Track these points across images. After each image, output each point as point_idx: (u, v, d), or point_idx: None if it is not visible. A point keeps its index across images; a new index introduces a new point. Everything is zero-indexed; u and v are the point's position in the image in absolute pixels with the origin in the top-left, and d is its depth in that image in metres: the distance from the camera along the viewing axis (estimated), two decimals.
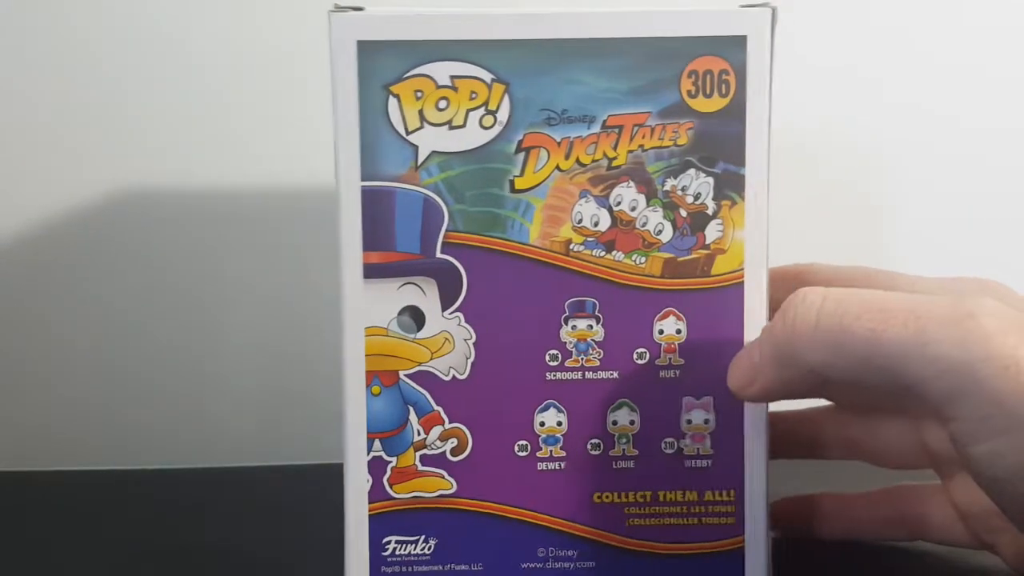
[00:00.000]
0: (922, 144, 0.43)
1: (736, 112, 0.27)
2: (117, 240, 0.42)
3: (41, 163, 0.42)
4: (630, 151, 0.27)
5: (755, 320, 0.28)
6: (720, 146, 0.27)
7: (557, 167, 0.27)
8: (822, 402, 0.31)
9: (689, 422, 0.28)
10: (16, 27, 0.41)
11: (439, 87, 0.27)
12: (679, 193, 0.28)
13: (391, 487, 0.28)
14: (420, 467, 0.28)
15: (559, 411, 0.28)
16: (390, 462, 0.28)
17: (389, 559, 0.28)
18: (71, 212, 0.42)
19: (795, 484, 0.31)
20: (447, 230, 0.27)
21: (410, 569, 0.28)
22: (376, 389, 0.28)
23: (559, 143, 0.27)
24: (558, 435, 0.28)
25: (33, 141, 0.42)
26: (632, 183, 0.27)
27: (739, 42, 0.27)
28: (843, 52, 0.42)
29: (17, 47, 0.41)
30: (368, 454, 0.28)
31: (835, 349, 0.24)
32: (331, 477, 0.29)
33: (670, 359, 0.28)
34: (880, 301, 0.23)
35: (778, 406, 0.28)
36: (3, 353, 0.41)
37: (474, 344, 0.28)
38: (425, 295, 0.28)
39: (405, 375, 0.28)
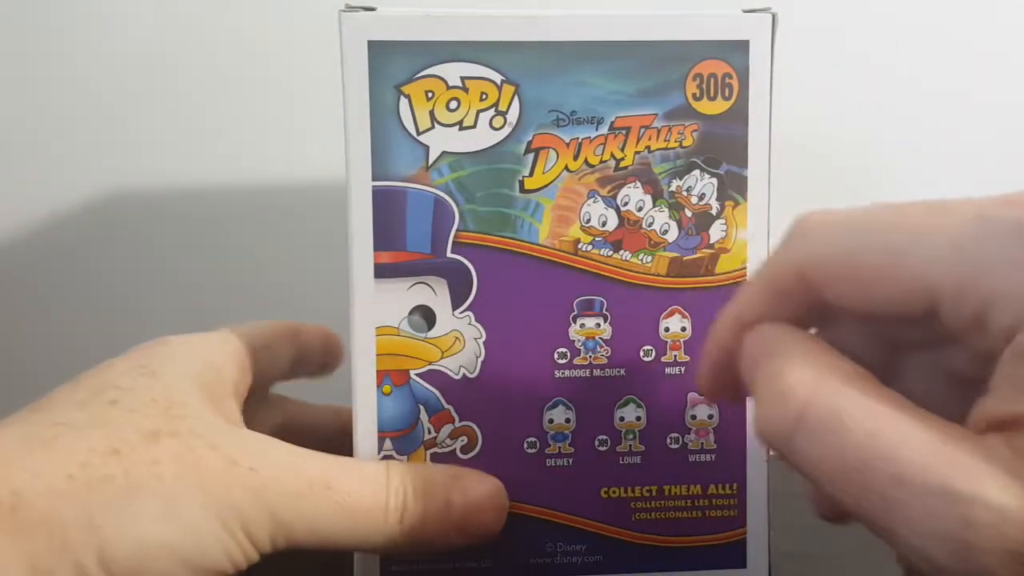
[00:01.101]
0: (923, 145, 0.44)
1: (739, 115, 0.28)
2: (121, 240, 0.42)
3: (51, 161, 0.41)
4: (637, 152, 0.28)
5: None
6: (724, 148, 0.28)
7: (566, 168, 0.28)
8: None
9: (693, 417, 0.29)
10: (17, 25, 0.40)
11: (450, 88, 0.27)
12: (684, 194, 0.28)
13: None
14: (432, 464, 0.28)
15: (567, 408, 0.28)
16: (401, 461, 0.28)
17: (399, 557, 0.28)
18: (73, 212, 0.41)
19: (797, 480, 0.32)
20: (458, 230, 0.28)
21: (420, 566, 0.28)
22: (387, 388, 0.28)
23: (568, 144, 0.28)
24: (566, 432, 0.28)
25: (37, 140, 0.41)
26: (639, 184, 0.28)
27: (741, 46, 0.28)
28: (843, 55, 0.43)
29: (19, 45, 0.40)
30: (379, 453, 0.28)
31: None
32: None
33: (675, 356, 0.29)
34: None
35: None
36: (3, 353, 0.40)
37: (484, 343, 0.28)
38: (436, 295, 0.28)
39: (416, 374, 0.28)
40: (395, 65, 0.27)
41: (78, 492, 0.22)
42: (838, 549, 0.33)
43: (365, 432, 0.28)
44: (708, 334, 0.23)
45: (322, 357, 0.33)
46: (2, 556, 0.21)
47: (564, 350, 0.28)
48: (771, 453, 0.29)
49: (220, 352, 0.28)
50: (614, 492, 0.29)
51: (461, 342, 0.28)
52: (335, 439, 0.32)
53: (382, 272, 0.27)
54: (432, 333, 0.28)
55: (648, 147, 0.28)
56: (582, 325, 0.28)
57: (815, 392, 0.19)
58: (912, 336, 0.22)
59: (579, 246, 0.28)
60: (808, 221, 0.21)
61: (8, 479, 0.22)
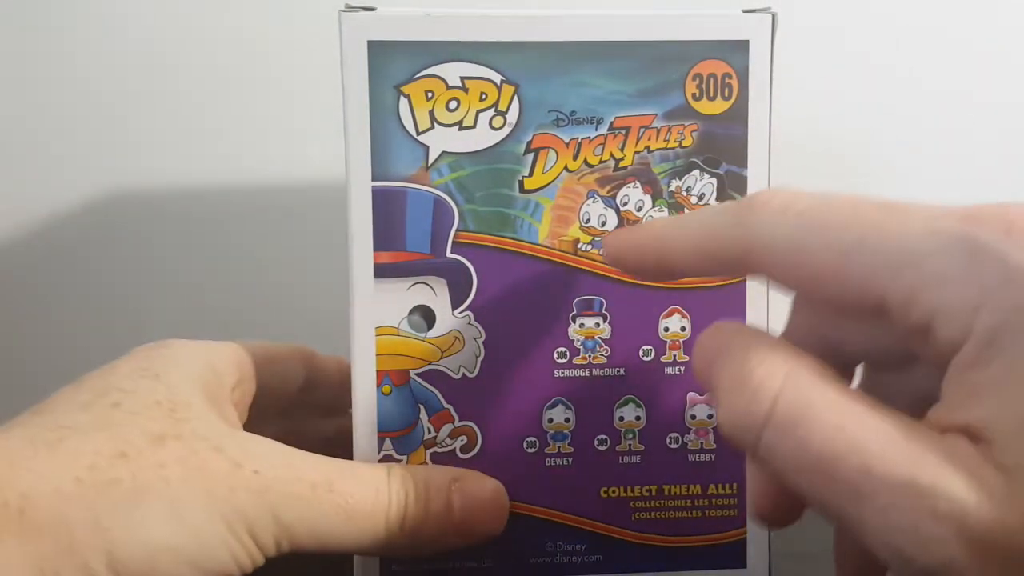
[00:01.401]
0: (923, 145, 0.44)
1: (739, 115, 0.28)
2: (121, 240, 0.42)
3: (51, 161, 0.41)
4: (636, 152, 0.28)
5: (757, 317, 0.28)
6: (723, 148, 0.28)
7: (565, 168, 0.28)
8: None
9: (693, 417, 0.29)
10: (17, 25, 0.40)
11: (449, 88, 0.27)
12: (684, 193, 0.28)
13: None
14: (432, 466, 0.28)
15: (567, 408, 0.28)
16: (400, 460, 0.28)
17: (399, 557, 0.28)
18: (73, 212, 0.41)
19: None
20: (457, 230, 0.28)
21: (421, 566, 0.28)
22: (387, 388, 0.28)
23: (567, 144, 0.28)
24: (566, 431, 0.28)
25: (37, 140, 0.41)
26: (638, 184, 0.28)
27: (741, 46, 0.28)
28: (843, 55, 0.43)
29: (18, 45, 0.40)
30: (379, 453, 0.28)
31: None
32: None
33: (675, 356, 0.29)
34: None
35: None
36: (3, 353, 0.40)
37: (484, 343, 0.28)
38: (435, 294, 0.28)
39: (416, 374, 0.28)
40: (395, 65, 0.27)
41: (86, 495, 0.22)
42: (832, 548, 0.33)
43: (365, 432, 0.28)
44: (625, 245, 0.23)
45: (337, 388, 0.33)
46: (10, 559, 0.21)
47: (564, 350, 0.28)
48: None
49: (221, 357, 0.28)
50: (614, 492, 0.29)
51: (461, 342, 0.28)
52: (335, 443, 0.32)
53: (382, 272, 0.27)
54: (432, 333, 0.28)
55: (648, 147, 0.28)
56: (581, 325, 0.28)
57: (785, 386, 0.19)
58: (874, 350, 0.22)
59: (579, 246, 0.28)
60: (764, 203, 0.21)
61: (15, 482, 0.22)
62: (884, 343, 0.21)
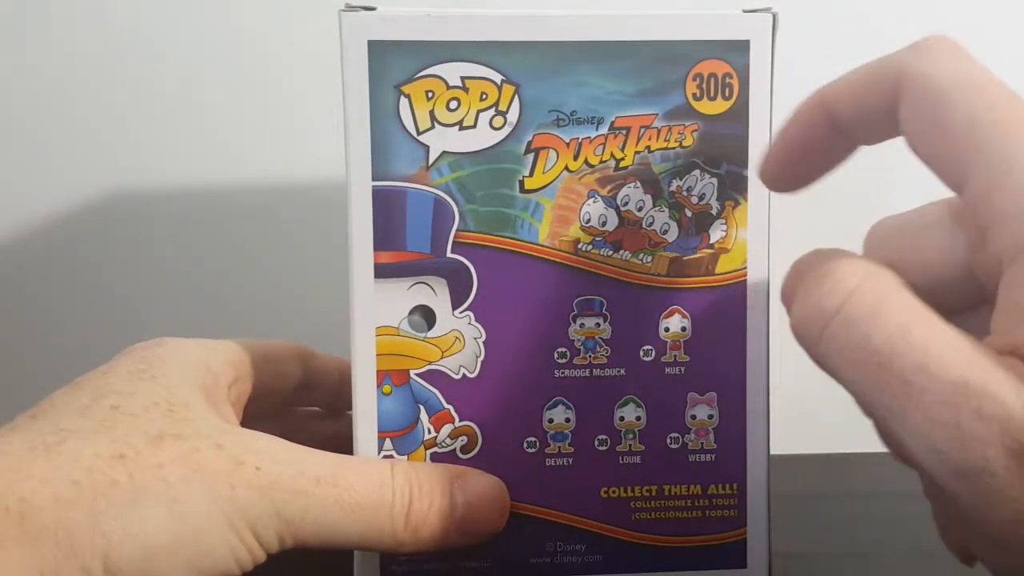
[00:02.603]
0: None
1: (739, 115, 0.28)
2: (120, 238, 0.42)
3: (51, 161, 0.41)
4: (637, 152, 0.28)
5: (758, 317, 0.28)
6: (724, 148, 0.28)
7: (566, 168, 0.28)
8: None
9: (693, 417, 0.29)
10: (18, 25, 0.40)
11: (450, 88, 0.27)
12: (684, 194, 0.28)
13: None
14: (434, 463, 0.28)
15: (567, 408, 0.28)
16: (402, 460, 0.28)
17: (400, 557, 0.28)
18: (73, 212, 0.41)
19: (797, 480, 0.32)
20: (458, 230, 0.28)
21: (421, 567, 0.28)
22: (387, 388, 0.28)
23: (568, 144, 0.28)
24: (566, 431, 0.28)
25: (37, 140, 0.41)
26: (639, 184, 0.28)
27: (742, 46, 0.28)
28: (843, 55, 0.42)
29: (19, 45, 0.40)
30: (379, 454, 0.28)
31: None
32: None
33: (675, 356, 0.29)
34: None
35: None
36: (2, 353, 0.40)
37: (484, 343, 0.28)
38: (436, 294, 0.28)
39: (416, 374, 0.28)
40: (395, 65, 0.27)
41: (83, 498, 0.22)
42: (838, 549, 0.33)
43: (365, 432, 0.28)
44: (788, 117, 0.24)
45: (336, 387, 0.33)
46: (13, 565, 0.21)
47: (564, 350, 0.28)
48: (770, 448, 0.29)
49: (217, 356, 0.28)
50: (614, 492, 0.29)
51: (461, 342, 0.28)
52: (332, 442, 0.32)
53: (382, 272, 0.27)
54: (432, 333, 0.28)
55: (648, 147, 0.28)
56: (582, 325, 0.28)
57: (862, 284, 0.20)
58: (944, 278, 0.22)
59: (579, 246, 0.28)
60: (937, 40, 0.22)
61: (16, 487, 0.22)
62: (952, 266, 0.22)
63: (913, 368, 0.19)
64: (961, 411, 0.18)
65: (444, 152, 0.27)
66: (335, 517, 0.25)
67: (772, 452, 0.29)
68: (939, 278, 0.22)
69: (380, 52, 0.27)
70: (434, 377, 0.28)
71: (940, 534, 0.25)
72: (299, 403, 0.33)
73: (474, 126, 0.27)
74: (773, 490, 0.29)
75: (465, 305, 0.28)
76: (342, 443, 0.29)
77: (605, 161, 0.28)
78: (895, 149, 0.44)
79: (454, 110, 0.27)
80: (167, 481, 0.23)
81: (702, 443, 0.29)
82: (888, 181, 0.43)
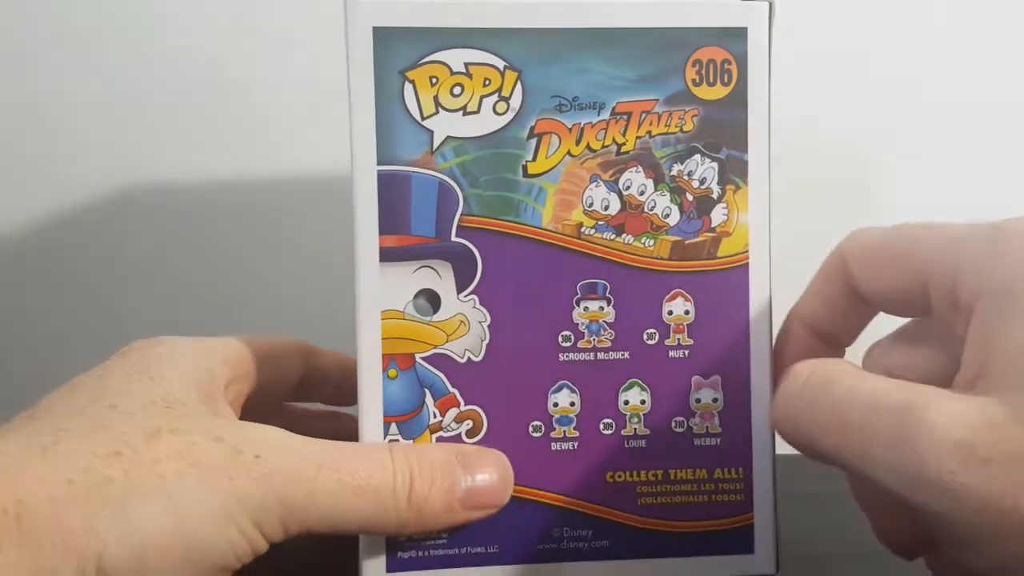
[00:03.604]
0: (921, 136, 0.44)
1: (738, 100, 0.28)
2: (125, 232, 0.42)
3: (49, 161, 0.41)
4: (638, 137, 0.28)
5: (760, 300, 0.29)
6: (724, 133, 0.28)
7: (568, 152, 0.28)
8: None
9: (698, 401, 0.29)
10: (19, 25, 0.40)
11: (454, 73, 0.27)
12: (685, 178, 0.28)
13: None
14: (434, 443, 0.28)
15: (572, 392, 0.28)
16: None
17: (406, 543, 0.28)
18: (77, 207, 0.41)
19: (797, 480, 0.32)
20: (462, 214, 0.28)
21: (427, 553, 0.28)
22: (392, 373, 0.28)
23: (570, 129, 0.28)
24: (571, 415, 0.28)
25: (39, 139, 0.41)
26: (640, 168, 0.28)
27: (740, 33, 0.28)
28: (841, 45, 0.43)
29: (20, 44, 0.41)
30: (385, 438, 0.28)
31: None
32: None
33: (679, 339, 0.29)
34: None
35: None
36: (5, 352, 0.40)
37: (489, 326, 0.28)
38: (441, 278, 0.28)
39: (421, 358, 0.28)
40: (400, 51, 0.27)
41: (78, 498, 0.22)
42: (838, 549, 0.33)
43: (371, 416, 0.28)
44: (779, 334, 0.29)
45: (338, 383, 0.33)
46: (10, 567, 0.21)
47: (568, 333, 0.28)
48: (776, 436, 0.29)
49: (215, 356, 0.28)
50: (619, 476, 0.29)
51: (466, 326, 0.28)
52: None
53: (387, 256, 0.28)
54: (437, 317, 0.28)
55: (649, 132, 0.28)
56: (586, 308, 0.28)
57: (816, 368, 0.24)
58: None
59: (582, 230, 0.28)
60: (853, 232, 0.27)
61: (13, 488, 0.22)
62: (934, 369, 0.26)
63: (865, 411, 0.22)
64: (910, 426, 0.21)
65: (448, 137, 0.28)
66: (338, 501, 0.25)
67: (778, 439, 0.29)
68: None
69: (385, 38, 0.27)
70: (439, 361, 0.28)
71: (877, 535, 0.27)
72: (300, 399, 0.33)
73: (477, 111, 0.28)
74: (779, 477, 0.29)
75: (470, 289, 0.28)
76: (343, 440, 0.29)
77: (607, 146, 0.28)
78: (892, 135, 0.44)
79: (458, 96, 0.28)
80: (163, 476, 0.23)
81: (707, 427, 0.29)
82: (888, 170, 0.44)
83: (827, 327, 0.28)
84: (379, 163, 0.27)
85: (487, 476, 0.27)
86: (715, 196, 0.29)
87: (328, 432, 0.33)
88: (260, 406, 0.30)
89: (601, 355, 0.28)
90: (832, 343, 0.28)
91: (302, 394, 0.33)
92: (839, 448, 0.23)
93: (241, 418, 0.29)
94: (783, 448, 0.29)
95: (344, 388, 0.33)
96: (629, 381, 0.29)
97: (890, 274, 0.25)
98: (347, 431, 0.29)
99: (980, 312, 0.22)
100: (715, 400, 0.29)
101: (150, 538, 0.22)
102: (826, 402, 0.23)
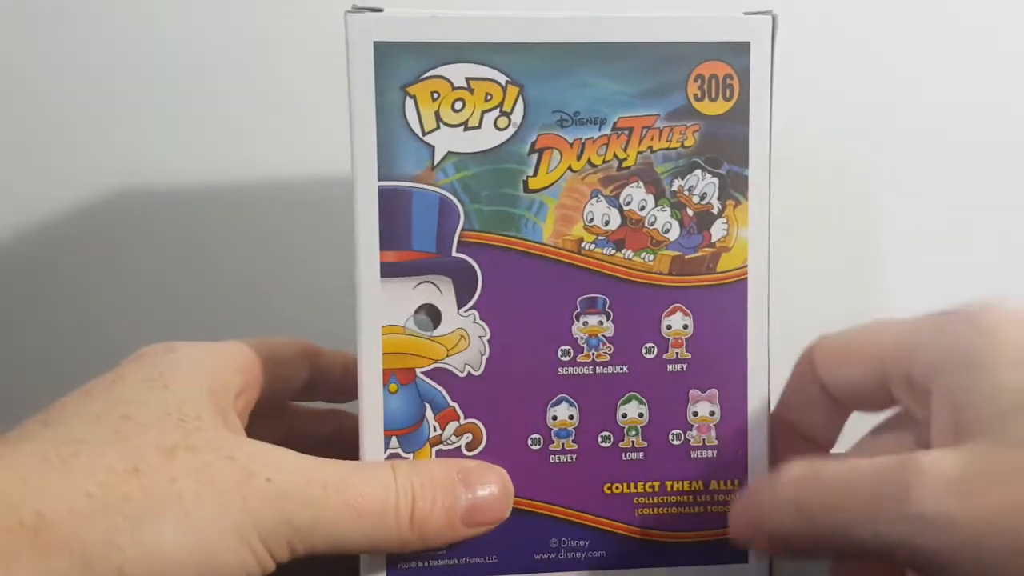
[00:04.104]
0: (922, 144, 0.44)
1: (740, 115, 0.28)
2: (127, 236, 0.42)
3: (52, 161, 0.41)
4: (639, 152, 0.28)
5: (758, 315, 0.29)
6: (725, 148, 0.28)
7: (569, 168, 0.28)
8: None
9: (695, 414, 0.29)
10: (19, 24, 0.40)
11: (455, 88, 0.27)
12: (686, 193, 0.29)
13: None
14: (436, 459, 0.28)
15: (571, 405, 0.29)
16: (407, 458, 0.28)
17: (406, 555, 0.28)
18: (79, 210, 0.41)
19: None
20: (463, 229, 0.28)
21: (427, 563, 0.28)
22: (393, 387, 0.28)
23: (571, 144, 0.28)
24: (570, 428, 0.29)
25: (41, 138, 0.41)
26: (641, 183, 0.28)
27: (742, 48, 0.28)
28: (843, 55, 0.43)
29: (20, 44, 0.40)
30: (385, 451, 0.28)
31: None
32: None
33: (677, 353, 0.29)
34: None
35: None
36: (9, 353, 0.40)
37: (489, 341, 0.28)
38: (441, 293, 0.28)
39: (422, 372, 0.28)
40: (401, 66, 0.27)
41: (98, 512, 0.22)
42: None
43: (371, 430, 0.28)
44: (768, 443, 0.29)
45: (341, 382, 0.33)
46: None
47: (567, 347, 0.29)
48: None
49: (227, 364, 0.28)
50: (617, 488, 0.29)
51: (466, 340, 0.28)
52: (333, 440, 0.33)
53: (388, 271, 0.28)
54: (438, 332, 0.28)
55: (650, 147, 0.28)
56: (585, 323, 0.28)
57: (801, 470, 0.25)
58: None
59: (582, 245, 0.28)
60: (822, 335, 0.29)
61: (30, 500, 0.22)
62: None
63: (860, 483, 0.23)
64: (905, 476, 0.22)
65: (449, 152, 0.28)
66: (343, 524, 0.25)
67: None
68: None
69: (386, 53, 0.27)
70: (440, 375, 0.28)
71: None
72: (304, 400, 0.33)
73: (479, 126, 0.28)
74: None
75: (470, 304, 0.28)
76: (344, 440, 0.30)
77: (608, 161, 0.28)
78: (891, 149, 0.44)
79: (459, 111, 0.28)
80: (180, 495, 0.23)
81: (704, 439, 0.29)
82: (888, 179, 0.44)
83: (807, 429, 0.29)
84: (380, 179, 0.27)
85: (488, 493, 0.27)
86: (715, 211, 0.29)
87: (330, 431, 0.34)
88: (266, 408, 0.30)
89: (600, 369, 0.29)
90: (817, 446, 0.30)
91: (306, 395, 0.33)
92: (836, 527, 0.24)
93: (248, 423, 0.29)
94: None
95: (345, 386, 0.33)
96: (628, 394, 0.29)
97: (851, 369, 0.27)
98: (348, 429, 0.30)
99: (939, 388, 0.24)
100: (712, 413, 0.29)
101: (169, 555, 0.23)
102: (816, 494, 0.24)
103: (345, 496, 0.25)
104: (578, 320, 0.28)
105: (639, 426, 0.29)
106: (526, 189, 0.28)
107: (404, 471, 0.26)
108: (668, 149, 0.28)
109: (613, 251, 0.28)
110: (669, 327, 0.29)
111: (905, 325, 0.26)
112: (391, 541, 0.26)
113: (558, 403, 0.29)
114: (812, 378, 0.29)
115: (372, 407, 0.28)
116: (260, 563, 0.24)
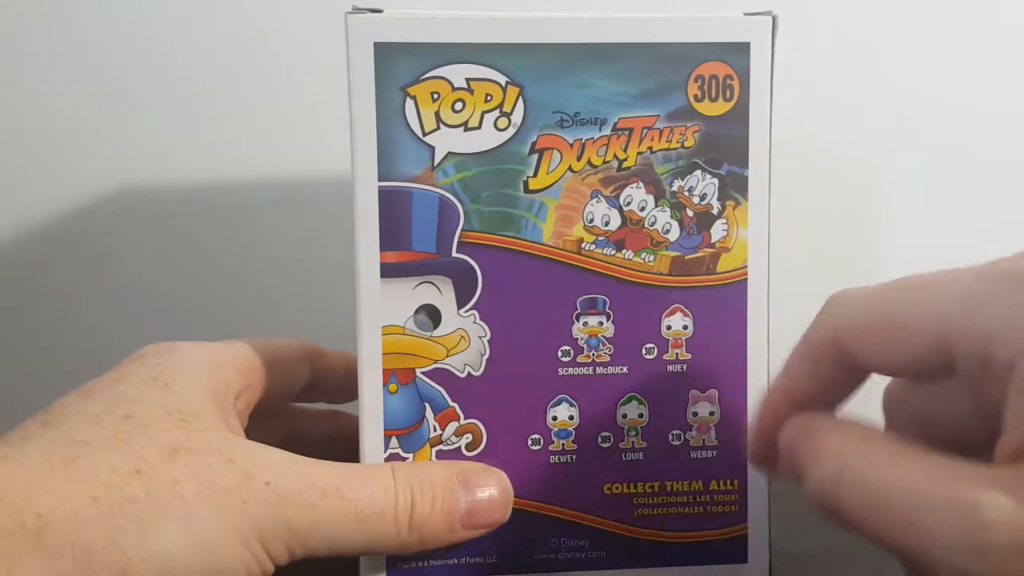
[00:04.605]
0: (922, 145, 0.44)
1: (740, 116, 0.28)
2: (122, 242, 0.42)
3: (53, 160, 0.41)
4: (639, 153, 0.28)
5: (758, 315, 0.29)
6: (725, 148, 0.28)
7: (569, 168, 0.28)
8: None
9: (695, 414, 0.29)
10: (20, 24, 0.40)
11: (455, 89, 0.27)
12: (686, 194, 0.29)
13: None
14: (436, 461, 0.28)
15: (571, 405, 0.29)
16: (407, 458, 0.28)
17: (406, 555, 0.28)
18: (79, 211, 0.41)
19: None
20: (463, 230, 0.28)
21: (427, 563, 0.28)
22: (393, 387, 0.28)
23: (571, 145, 0.28)
24: (570, 429, 0.29)
25: (42, 138, 0.41)
26: (641, 184, 0.28)
27: (742, 48, 0.28)
28: (842, 60, 0.43)
29: (21, 44, 0.40)
30: (385, 451, 0.28)
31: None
32: None
33: (677, 354, 0.29)
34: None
35: None
36: (9, 352, 0.40)
37: (489, 341, 0.28)
38: (441, 294, 0.28)
39: (422, 372, 0.28)
40: (401, 67, 0.27)
41: (102, 515, 0.22)
42: (838, 549, 0.33)
43: (371, 430, 0.28)
44: (759, 408, 0.26)
45: (342, 383, 0.33)
46: None
47: (567, 348, 0.29)
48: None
49: (227, 364, 0.28)
50: (616, 488, 0.29)
51: (466, 340, 0.28)
52: (335, 441, 0.33)
53: (388, 272, 0.28)
54: (438, 332, 0.28)
55: (650, 148, 0.28)
56: (585, 323, 0.29)
57: (845, 453, 0.22)
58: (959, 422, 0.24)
59: (582, 245, 0.28)
60: (837, 296, 0.24)
61: (33, 503, 0.22)
62: (962, 409, 0.24)
63: (913, 504, 0.20)
64: (966, 527, 0.19)
65: (449, 153, 0.28)
66: (342, 528, 0.25)
67: None
68: (954, 418, 0.24)
69: (386, 54, 0.27)
70: (440, 375, 0.28)
71: None
72: (305, 401, 0.33)
73: (479, 127, 0.28)
74: (773, 489, 0.29)
75: (470, 304, 0.28)
76: (345, 441, 0.30)
77: (608, 162, 0.28)
78: (891, 148, 0.44)
79: (459, 111, 0.28)
80: (183, 498, 0.23)
81: (703, 440, 0.29)
82: (888, 181, 0.44)
83: (817, 400, 0.26)
84: (380, 179, 0.27)
85: (487, 496, 0.27)
86: (715, 212, 0.29)
87: (330, 431, 0.34)
88: (267, 410, 0.30)
89: (600, 369, 0.29)
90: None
91: (307, 396, 0.33)
92: (889, 541, 0.21)
93: (248, 423, 0.29)
94: None
95: (347, 387, 0.33)
96: (627, 395, 0.29)
97: (903, 347, 0.23)
98: (349, 430, 0.30)
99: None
100: (712, 413, 0.29)
101: (173, 557, 0.23)
102: (865, 493, 0.21)
103: (344, 500, 0.25)
104: (578, 320, 0.28)
105: (639, 426, 0.29)
106: (526, 189, 0.28)
107: (403, 473, 0.26)
108: (668, 150, 0.28)
109: (613, 251, 0.28)
110: (669, 327, 0.29)
111: (964, 291, 0.22)
112: (390, 544, 0.26)
113: (558, 403, 0.29)
114: (835, 356, 0.24)
115: (372, 407, 0.28)
116: (260, 565, 0.24)
